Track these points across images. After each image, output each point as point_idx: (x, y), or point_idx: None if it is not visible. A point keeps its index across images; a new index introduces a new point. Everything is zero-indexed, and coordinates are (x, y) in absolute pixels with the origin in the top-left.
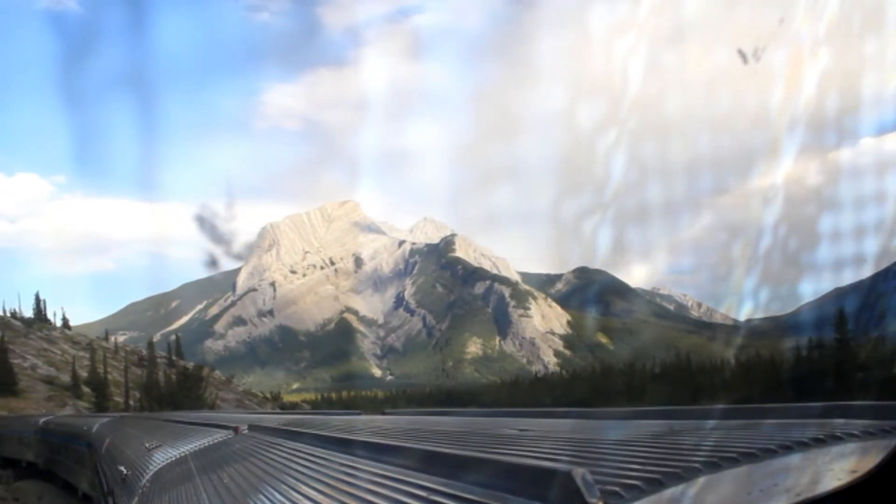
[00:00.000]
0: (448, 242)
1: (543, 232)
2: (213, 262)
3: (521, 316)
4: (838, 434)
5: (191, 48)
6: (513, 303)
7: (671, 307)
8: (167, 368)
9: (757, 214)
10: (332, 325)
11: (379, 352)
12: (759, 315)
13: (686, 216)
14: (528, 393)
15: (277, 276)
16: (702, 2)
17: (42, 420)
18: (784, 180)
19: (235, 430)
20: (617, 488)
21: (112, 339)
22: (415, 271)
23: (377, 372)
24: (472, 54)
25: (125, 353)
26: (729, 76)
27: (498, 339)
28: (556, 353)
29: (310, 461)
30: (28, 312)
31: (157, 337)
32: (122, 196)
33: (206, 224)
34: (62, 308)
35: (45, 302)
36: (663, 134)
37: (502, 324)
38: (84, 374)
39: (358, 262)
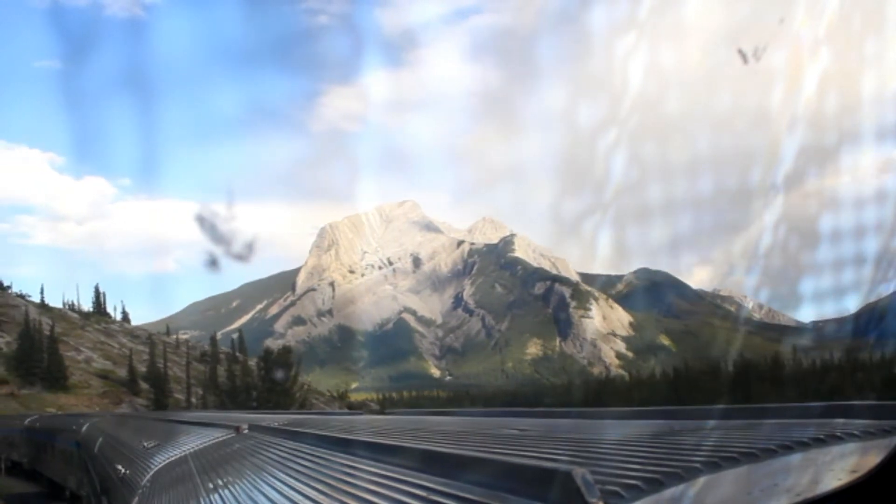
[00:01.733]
0: (507, 242)
1: (604, 233)
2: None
3: (582, 317)
4: (838, 434)
5: (249, 52)
6: (573, 303)
7: (732, 308)
8: (231, 365)
9: (818, 214)
10: (390, 325)
11: (437, 352)
12: (829, 316)
13: (746, 215)
14: (611, 394)
15: (336, 275)
16: None
17: (28, 420)
18: (851, 178)
19: (237, 429)
20: (617, 488)
21: (174, 336)
22: (474, 271)
23: (435, 372)
24: (529, 54)
25: (187, 348)
26: (816, 71)
27: (558, 339)
28: (618, 355)
29: (310, 461)
30: (87, 307)
31: (217, 336)
32: (182, 198)
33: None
34: (122, 301)
35: (104, 295)
36: (716, 130)
37: (563, 325)
38: (142, 368)
39: (416, 262)
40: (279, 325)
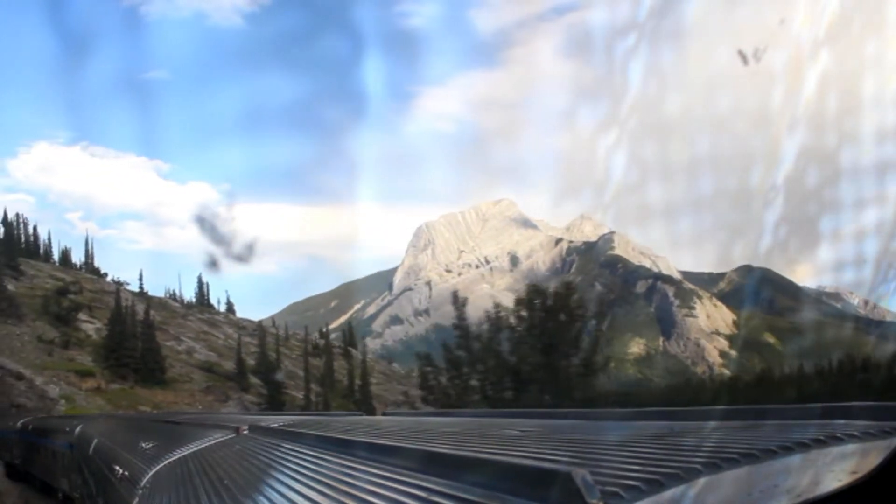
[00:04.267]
0: (607, 240)
1: (705, 230)
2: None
3: (686, 315)
4: (838, 435)
5: (344, 57)
6: (677, 302)
7: (838, 305)
8: (344, 359)
9: None
10: (488, 325)
11: None
12: None
13: (852, 211)
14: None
15: (433, 275)
16: None
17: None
18: None
19: (237, 430)
20: (617, 489)
21: (281, 329)
22: (572, 270)
23: None
24: (627, 49)
25: (298, 340)
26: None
27: (661, 339)
28: (722, 354)
29: (310, 462)
30: (189, 298)
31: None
32: (281, 201)
33: (358, 227)
34: (226, 292)
35: (208, 285)
36: (821, 127)
37: (666, 323)
38: (250, 362)
39: (514, 260)
40: (377, 325)
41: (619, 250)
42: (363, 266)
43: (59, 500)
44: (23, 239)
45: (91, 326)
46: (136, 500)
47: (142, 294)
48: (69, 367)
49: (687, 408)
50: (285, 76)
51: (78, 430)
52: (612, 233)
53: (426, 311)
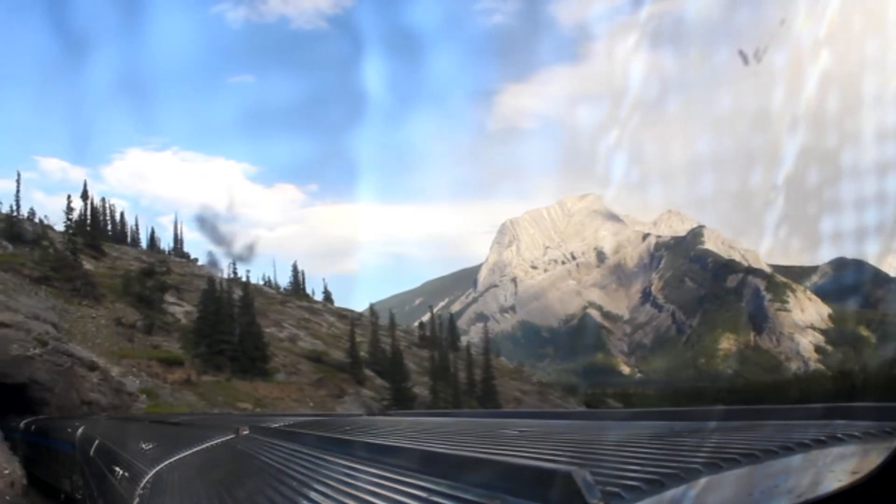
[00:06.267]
0: (695, 234)
1: (796, 222)
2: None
3: (779, 310)
4: (839, 435)
5: (427, 55)
6: (769, 296)
7: None
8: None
9: None
10: (575, 321)
11: (626, 348)
12: None
13: None
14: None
15: (518, 271)
16: None
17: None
18: None
19: (237, 431)
20: (617, 489)
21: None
22: (661, 265)
23: (625, 369)
24: (710, 41)
25: (402, 332)
26: None
27: (753, 334)
28: (817, 349)
29: (310, 463)
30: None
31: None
32: (365, 201)
33: (438, 225)
34: (323, 280)
35: (303, 273)
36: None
37: (758, 318)
38: (362, 353)
39: (600, 256)
40: (462, 322)
41: (708, 244)
42: (447, 264)
43: (62, 501)
44: (109, 226)
45: (180, 309)
46: (137, 500)
47: (235, 279)
48: (153, 355)
49: (687, 408)
50: (367, 78)
51: (80, 430)
52: (701, 227)
53: (512, 308)
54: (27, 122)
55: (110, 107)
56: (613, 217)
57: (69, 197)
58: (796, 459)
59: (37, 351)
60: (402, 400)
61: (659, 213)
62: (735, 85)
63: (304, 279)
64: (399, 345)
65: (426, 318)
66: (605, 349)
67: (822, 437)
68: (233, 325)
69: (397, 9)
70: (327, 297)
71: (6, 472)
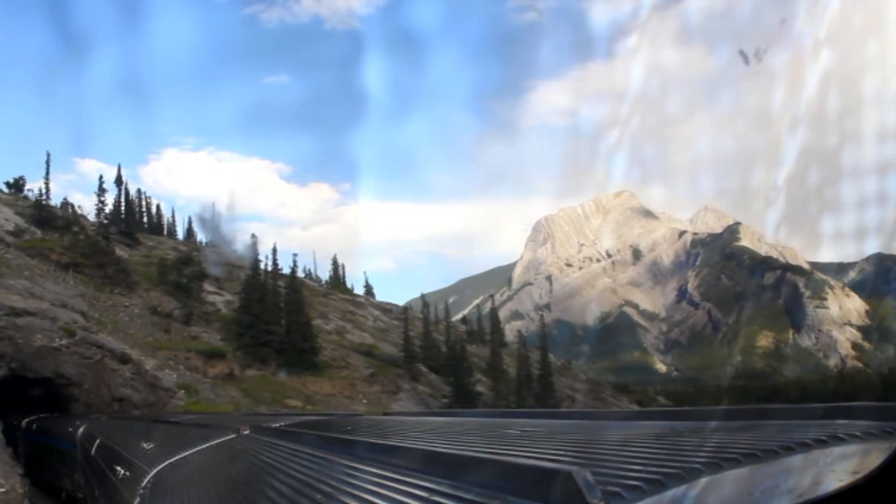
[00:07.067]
0: (732, 231)
1: (829, 218)
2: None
3: (817, 307)
4: (840, 435)
5: (461, 54)
6: (807, 293)
7: None
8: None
9: None
10: (611, 319)
11: (662, 346)
12: None
13: None
14: None
15: (553, 269)
16: None
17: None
18: None
19: (237, 431)
20: (618, 489)
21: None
22: (697, 262)
23: (661, 367)
24: (745, 36)
25: (447, 325)
26: None
27: (791, 331)
28: (854, 346)
29: (311, 462)
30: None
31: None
32: (399, 199)
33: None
34: (364, 273)
35: (343, 267)
36: None
37: (795, 315)
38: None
39: (636, 253)
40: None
41: (745, 241)
42: (481, 262)
43: (63, 500)
44: (145, 219)
45: (220, 299)
46: (137, 500)
47: (276, 272)
48: (191, 347)
49: (688, 408)
50: (397, 77)
51: (81, 429)
52: (737, 223)
53: (547, 306)
54: (63, 124)
55: (147, 108)
56: (649, 214)
57: (101, 178)
58: (797, 459)
59: (63, 342)
60: (464, 398)
61: (694, 209)
62: (759, 80)
63: (344, 273)
64: (454, 340)
65: (458, 317)
66: (642, 347)
67: (823, 437)
68: (278, 314)
69: (428, 8)
70: (368, 290)
71: (2, 489)
